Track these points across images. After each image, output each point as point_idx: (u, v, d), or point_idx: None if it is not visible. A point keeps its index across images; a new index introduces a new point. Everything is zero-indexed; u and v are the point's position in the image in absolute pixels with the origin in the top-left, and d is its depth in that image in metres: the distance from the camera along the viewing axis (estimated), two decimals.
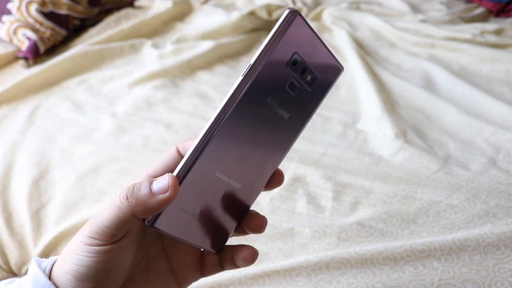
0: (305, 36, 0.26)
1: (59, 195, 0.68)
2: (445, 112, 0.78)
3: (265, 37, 0.25)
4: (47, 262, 0.28)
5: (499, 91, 0.83)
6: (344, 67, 0.30)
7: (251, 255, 0.30)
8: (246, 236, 0.33)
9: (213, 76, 0.99)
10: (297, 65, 0.26)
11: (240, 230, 0.32)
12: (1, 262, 0.63)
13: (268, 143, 0.29)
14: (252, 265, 0.35)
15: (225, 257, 0.31)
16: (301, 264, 0.50)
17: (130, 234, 0.26)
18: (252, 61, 0.25)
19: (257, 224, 0.31)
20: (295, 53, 0.26)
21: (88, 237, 0.25)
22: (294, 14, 0.25)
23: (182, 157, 0.28)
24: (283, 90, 0.27)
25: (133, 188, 0.25)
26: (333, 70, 0.29)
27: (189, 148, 0.27)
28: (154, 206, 0.25)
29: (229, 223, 0.30)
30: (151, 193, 0.25)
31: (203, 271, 0.32)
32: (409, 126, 0.75)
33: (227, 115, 0.25)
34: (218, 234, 0.30)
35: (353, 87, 0.89)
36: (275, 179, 0.31)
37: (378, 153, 0.70)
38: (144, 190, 0.25)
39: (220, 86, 0.94)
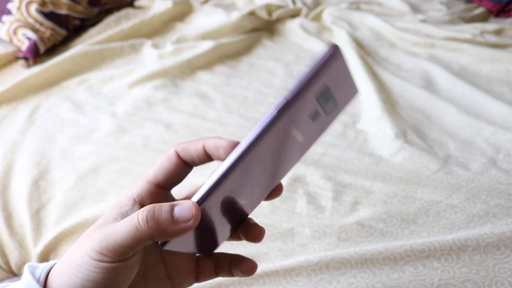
0: (339, 72, 0.26)
1: (59, 195, 0.68)
2: (445, 112, 0.78)
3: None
4: (41, 269, 0.27)
5: (499, 91, 0.83)
6: None
7: (251, 268, 0.31)
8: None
9: (213, 76, 0.99)
10: (325, 97, 0.26)
11: (236, 236, 0.32)
12: (1, 262, 0.63)
13: (281, 164, 0.29)
14: None
15: (222, 265, 0.31)
16: (301, 264, 0.50)
17: (139, 251, 0.26)
18: (288, 98, 0.24)
19: (256, 235, 0.31)
20: (327, 88, 0.26)
21: (98, 252, 0.24)
22: (337, 53, 0.24)
23: (182, 160, 0.29)
24: (306, 119, 0.27)
25: (154, 211, 0.24)
26: (351, 96, 0.29)
27: (189, 152, 0.27)
28: (174, 233, 0.24)
29: (226, 231, 0.31)
30: (173, 220, 0.24)
31: (198, 277, 0.32)
32: (409, 126, 0.75)
33: (255, 147, 0.25)
34: (213, 242, 0.31)
35: None
36: (274, 192, 0.31)
37: (378, 153, 0.70)
38: (165, 215, 0.24)
39: (220, 86, 0.94)
